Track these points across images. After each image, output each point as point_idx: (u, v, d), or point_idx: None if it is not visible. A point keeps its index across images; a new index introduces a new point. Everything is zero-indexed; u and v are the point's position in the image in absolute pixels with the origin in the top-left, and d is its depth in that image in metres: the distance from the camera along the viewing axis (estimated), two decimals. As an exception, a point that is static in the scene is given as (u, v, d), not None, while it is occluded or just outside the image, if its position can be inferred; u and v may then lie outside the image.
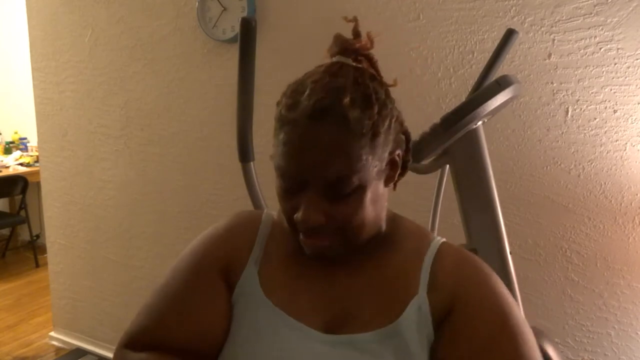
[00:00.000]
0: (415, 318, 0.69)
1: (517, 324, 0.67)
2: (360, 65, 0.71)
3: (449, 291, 0.70)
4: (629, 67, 1.40)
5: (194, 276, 0.76)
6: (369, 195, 0.67)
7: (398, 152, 0.71)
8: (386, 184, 0.71)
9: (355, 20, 0.76)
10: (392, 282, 0.72)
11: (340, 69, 0.69)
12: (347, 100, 0.63)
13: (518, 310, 0.70)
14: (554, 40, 1.48)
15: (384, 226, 0.76)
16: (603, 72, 1.43)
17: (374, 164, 0.66)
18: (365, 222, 0.69)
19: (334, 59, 0.72)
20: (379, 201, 0.70)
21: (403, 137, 0.74)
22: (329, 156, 0.63)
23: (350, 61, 0.71)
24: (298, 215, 0.67)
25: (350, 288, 0.73)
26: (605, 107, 1.43)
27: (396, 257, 0.74)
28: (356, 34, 0.75)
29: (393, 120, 0.69)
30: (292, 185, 0.67)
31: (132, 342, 0.75)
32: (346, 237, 0.69)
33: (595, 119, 1.45)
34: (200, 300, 0.75)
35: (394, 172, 0.72)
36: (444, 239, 0.77)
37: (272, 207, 0.94)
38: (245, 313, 0.74)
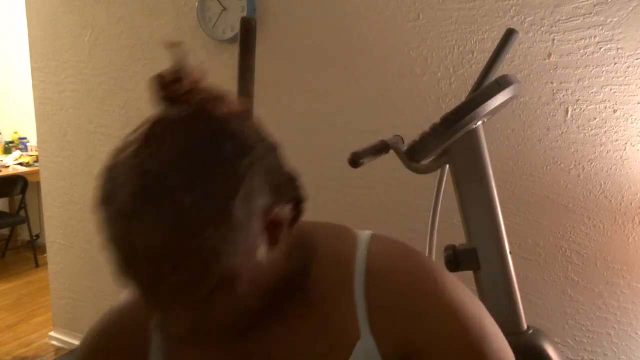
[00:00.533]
0: None
1: (489, 344, 0.57)
2: (197, 112, 0.51)
3: (399, 330, 0.58)
4: (629, 67, 1.40)
5: None
6: (242, 282, 0.52)
7: (280, 207, 0.53)
8: (270, 249, 0.54)
9: (179, 49, 0.53)
10: (326, 328, 0.59)
11: (163, 132, 0.49)
12: (173, 185, 0.46)
13: (479, 316, 0.59)
14: (554, 40, 1.48)
15: (293, 268, 0.61)
16: (603, 72, 1.43)
17: (237, 250, 0.49)
18: (245, 306, 0.54)
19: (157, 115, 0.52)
20: (261, 274, 0.54)
21: (285, 178, 0.56)
22: (163, 266, 0.47)
23: (178, 113, 0.51)
24: (156, 325, 0.53)
25: (276, 348, 0.60)
26: (605, 107, 1.43)
27: (321, 296, 0.60)
28: (176, 74, 0.52)
29: (256, 176, 0.50)
30: (139, 291, 0.51)
31: None
32: (230, 323, 0.55)
33: (595, 119, 1.45)
34: None
35: (277, 232, 0.54)
36: (369, 240, 0.64)
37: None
38: None
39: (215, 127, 0.50)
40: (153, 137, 0.49)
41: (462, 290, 0.60)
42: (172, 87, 0.51)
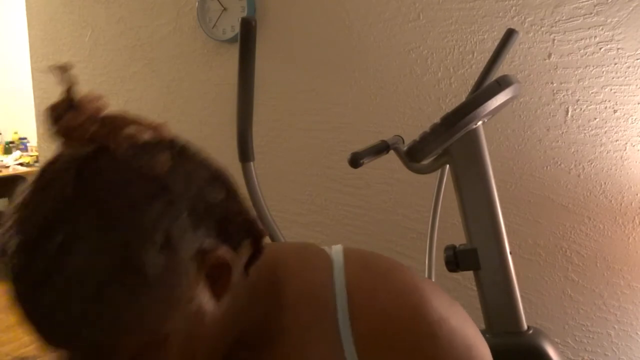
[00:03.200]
0: None
1: None
2: (96, 150, 0.43)
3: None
4: (629, 67, 1.40)
5: None
6: (177, 344, 0.44)
7: (219, 252, 0.45)
8: (217, 297, 0.47)
9: (65, 74, 0.47)
10: None
11: (55, 176, 0.42)
12: (55, 244, 0.39)
13: (468, 337, 0.55)
14: (554, 40, 1.48)
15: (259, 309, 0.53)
16: (603, 72, 1.43)
17: (159, 313, 0.42)
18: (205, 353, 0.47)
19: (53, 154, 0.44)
20: (207, 332, 0.47)
21: (225, 212, 0.47)
22: (67, 347, 0.41)
23: (73, 152, 0.43)
24: None
25: None
26: (605, 107, 1.43)
27: (300, 332, 0.53)
28: (70, 104, 0.45)
29: (176, 221, 0.42)
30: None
31: None
32: None
33: (595, 119, 1.45)
34: None
35: (223, 278, 0.47)
36: (341, 257, 0.56)
37: (272, 207, 0.95)
38: None
39: (115, 167, 0.42)
40: (41, 186, 0.41)
41: (449, 304, 0.55)
42: (64, 119, 0.43)
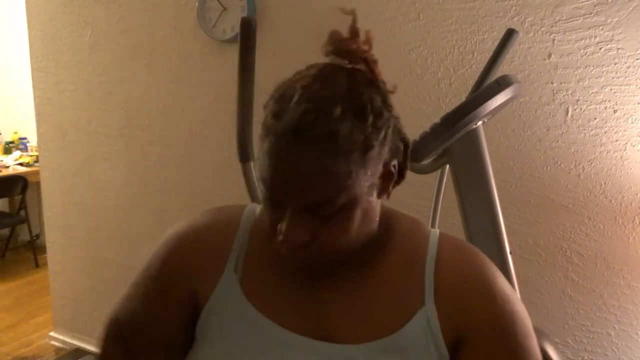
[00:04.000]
0: (423, 331, 0.64)
1: (529, 345, 0.66)
2: (356, 68, 0.63)
3: (459, 306, 0.65)
4: (629, 67, 1.40)
5: (158, 291, 0.72)
6: (358, 213, 0.60)
7: (394, 162, 0.64)
8: (379, 196, 0.64)
9: (353, 14, 0.65)
10: (391, 291, 0.66)
11: (333, 73, 0.61)
12: (337, 112, 0.56)
13: (526, 320, 0.69)
14: (554, 40, 1.48)
15: (375, 232, 0.68)
16: (603, 72, 1.43)
17: (365, 180, 0.59)
18: (353, 239, 0.62)
19: (328, 61, 0.66)
20: (370, 215, 0.63)
21: (401, 144, 0.66)
22: (311, 178, 0.56)
23: (345, 63, 0.64)
24: (281, 228, 0.60)
25: (342, 298, 0.67)
26: (605, 107, 1.43)
27: (392, 263, 0.68)
28: (354, 32, 0.64)
29: (389, 129, 0.61)
30: (275, 198, 0.60)
31: (119, 333, 0.73)
32: (333, 254, 0.62)
33: (595, 119, 1.45)
34: (163, 316, 0.71)
35: (388, 183, 0.64)
36: (438, 233, 0.71)
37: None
38: (226, 325, 0.68)
39: (369, 82, 0.62)
40: (322, 75, 0.61)
41: (518, 298, 0.71)
42: (345, 42, 0.64)
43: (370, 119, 0.58)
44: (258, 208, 0.75)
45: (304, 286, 0.68)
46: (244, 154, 1.13)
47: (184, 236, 0.73)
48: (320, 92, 0.58)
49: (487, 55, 1.28)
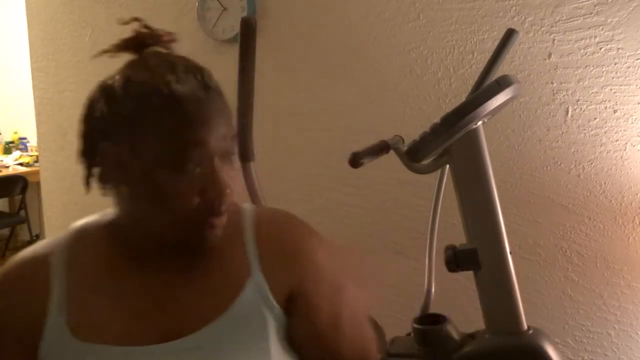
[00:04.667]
0: (254, 299, 0.67)
1: (350, 297, 0.74)
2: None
3: (284, 267, 0.70)
4: (629, 67, 1.40)
5: None
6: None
7: None
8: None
9: (138, 20, 0.79)
10: (222, 268, 0.69)
11: (158, 54, 0.74)
12: (205, 71, 0.68)
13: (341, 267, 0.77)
14: (554, 40, 1.48)
15: None
16: (603, 72, 1.43)
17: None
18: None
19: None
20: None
21: None
22: (224, 114, 0.66)
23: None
24: (208, 181, 0.62)
25: (182, 290, 0.68)
26: (605, 107, 1.43)
27: (217, 242, 0.68)
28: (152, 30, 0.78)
29: None
30: (201, 145, 0.62)
31: None
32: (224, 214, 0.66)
33: (595, 119, 1.45)
34: None
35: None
36: (253, 208, 0.76)
37: (272, 206, 0.94)
38: None
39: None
40: (151, 55, 0.72)
41: (332, 250, 0.79)
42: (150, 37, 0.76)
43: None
44: (61, 239, 0.74)
45: (143, 292, 0.68)
46: (244, 154, 1.13)
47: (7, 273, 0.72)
48: (178, 60, 0.69)
49: (487, 55, 1.28)
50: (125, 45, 0.75)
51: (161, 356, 0.65)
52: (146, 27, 0.76)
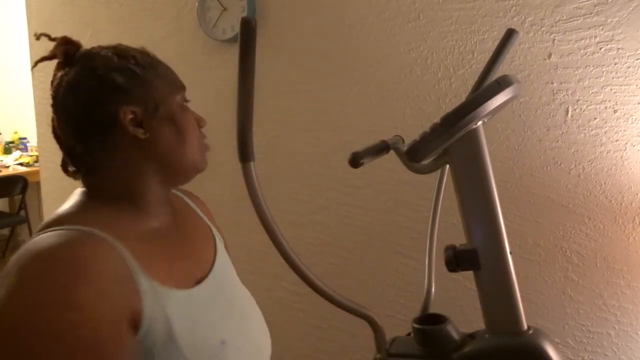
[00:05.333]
0: (221, 247, 0.97)
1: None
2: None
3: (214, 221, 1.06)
4: (629, 67, 1.40)
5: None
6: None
7: None
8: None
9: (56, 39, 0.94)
10: (197, 229, 0.96)
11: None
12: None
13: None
14: (554, 40, 1.48)
15: None
16: (603, 72, 1.43)
17: None
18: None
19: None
20: None
21: None
22: None
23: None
24: (202, 124, 0.97)
25: (185, 245, 0.88)
26: (606, 107, 1.43)
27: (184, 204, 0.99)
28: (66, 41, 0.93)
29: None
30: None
31: None
32: None
33: (595, 119, 1.45)
34: None
35: None
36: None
37: (273, 207, 0.95)
38: (174, 315, 0.72)
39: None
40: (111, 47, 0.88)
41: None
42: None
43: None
44: (95, 229, 0.70)
45: (179, 247, 0.86)
46: (244, 154, 1.13)
47: (89, 277, 0.63)
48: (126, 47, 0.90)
49: (487, 55, 1.28)
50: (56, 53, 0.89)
51: (205, 294, 0.82)
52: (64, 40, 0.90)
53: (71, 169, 0.82)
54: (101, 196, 0.78)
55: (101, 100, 0.76)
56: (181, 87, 0.89)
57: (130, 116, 0.76)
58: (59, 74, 0.86)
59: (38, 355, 0.56)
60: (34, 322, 0.57)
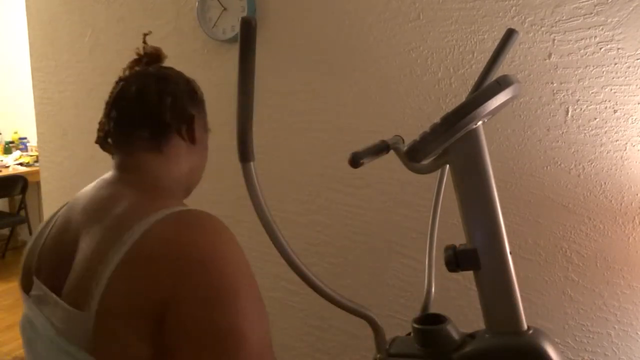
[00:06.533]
0: None
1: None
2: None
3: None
4: (629, 67, 1.40)
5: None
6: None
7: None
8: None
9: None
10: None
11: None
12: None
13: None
14: (554, 40, 1.48)
15: None
16: (603, 72, 1.43)
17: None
18: None
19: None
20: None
21: None
22: None
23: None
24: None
25: None
26: (606, 107, 1.43)
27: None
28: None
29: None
30: None
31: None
32: None
33: (595, 119, 1.45)
34: None
35: None
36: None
37: (273, 207, 0.94)
38: None
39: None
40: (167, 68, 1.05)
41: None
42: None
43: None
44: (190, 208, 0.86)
45: None
46: (244, 154, 1.13)
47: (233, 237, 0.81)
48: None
49: (487, 55, 1.28)
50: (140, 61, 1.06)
51: None
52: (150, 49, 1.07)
53: (119, 146, 0.95)
54: (159, 183, 0.92)
55: (188, 101, 0.98)
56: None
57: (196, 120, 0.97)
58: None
59: (258, 297, 0.79)
60: (245, 263, 0.79)
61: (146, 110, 0.91)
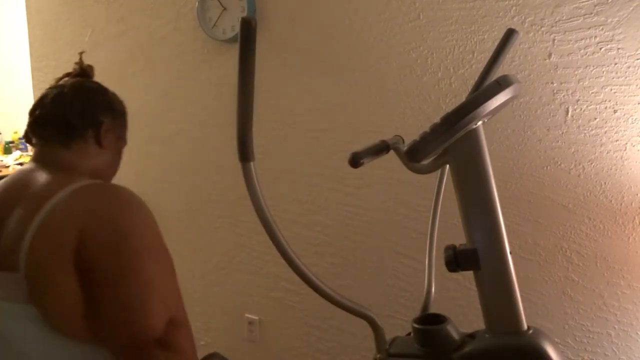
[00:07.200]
0: None
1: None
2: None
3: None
4: (629, 67, 1.40)
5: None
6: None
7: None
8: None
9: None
10: None
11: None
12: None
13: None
14: (554, 40, 1.48)
15: None
16: (603, 72, 1.43)
17: None
18: None
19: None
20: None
21: None
22: None
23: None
24: None
25: None
26: (606, 107, 1.43)
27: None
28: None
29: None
30: None
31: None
32: None
33: (595, 119, 1.45)
34: None
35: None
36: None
37: (273, 207, 0.95)
38: None
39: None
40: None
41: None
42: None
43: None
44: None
45: None
46: (244, 154, 1.13)
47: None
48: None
49: (487, 55, 1.28)
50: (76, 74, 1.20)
51: None
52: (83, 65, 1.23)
53: (36, 141, 1.09)
54: (76, 168, 1.06)
55: (99, 110, 1.13)
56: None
57: (106, 128, 1.12)
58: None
59: (160, 246, 0.98)
60: (155, 228, 0.98)
61: (58, 112, 1.08)
